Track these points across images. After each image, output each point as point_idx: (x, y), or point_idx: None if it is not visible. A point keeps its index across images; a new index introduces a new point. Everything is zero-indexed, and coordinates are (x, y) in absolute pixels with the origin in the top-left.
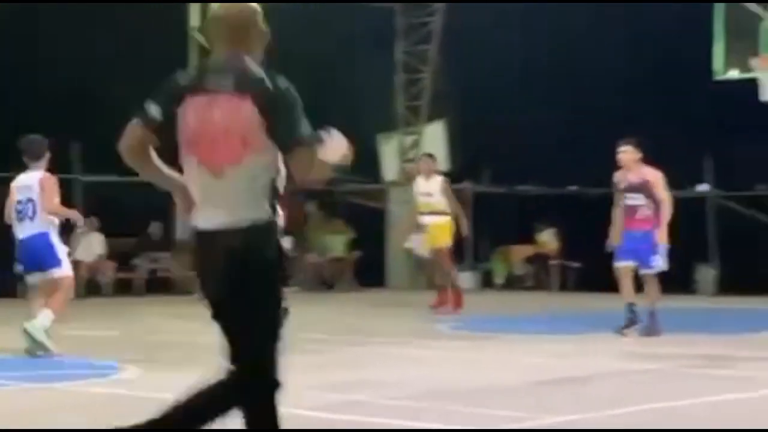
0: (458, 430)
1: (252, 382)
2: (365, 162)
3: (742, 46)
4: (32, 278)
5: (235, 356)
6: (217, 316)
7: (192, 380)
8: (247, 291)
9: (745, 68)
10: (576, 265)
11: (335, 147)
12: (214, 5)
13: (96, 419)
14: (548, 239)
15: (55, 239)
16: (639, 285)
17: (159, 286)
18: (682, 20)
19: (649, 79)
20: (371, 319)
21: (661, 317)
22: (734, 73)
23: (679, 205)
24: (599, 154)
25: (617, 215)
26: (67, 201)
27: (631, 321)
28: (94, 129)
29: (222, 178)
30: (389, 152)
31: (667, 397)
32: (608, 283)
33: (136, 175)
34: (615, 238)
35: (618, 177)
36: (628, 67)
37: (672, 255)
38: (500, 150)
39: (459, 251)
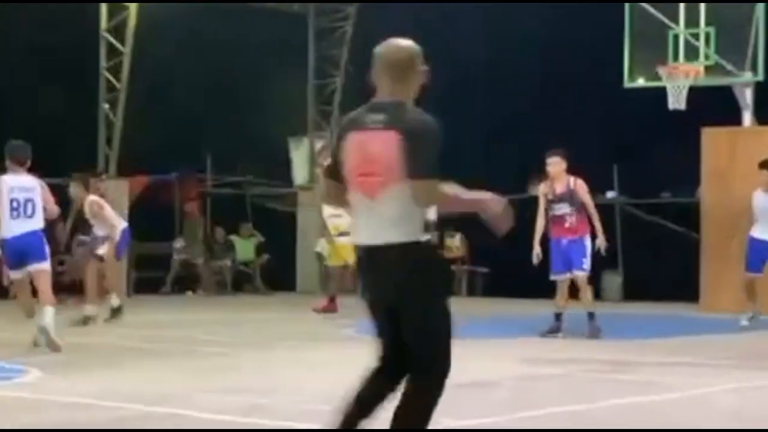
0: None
1: (431, 373)
2: (275, 166)
3: (650, 54)
4: (18, 273)
5: (415, 352)
6: (379, 317)
7: (96, 383)
8: (416, 299)
9: (652, 76)
10: (483, 270)
11: (490, 206)
12: (128, 7)
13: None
14: (456, 244)
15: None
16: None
17: (62, 289)
18: (596, 27)
19: (562, 86)
20: (277, 323)
21: (569, 324)
22: (641, 81)
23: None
24: (509, 160)
25: (540, 225)
26: None
27: (556, 328)
28: (0, 131)
29: (376, 200)
30: (300, 156)
31: (572, 401)
32: (516, 289)
33: (42, 176)
34: (537, 249)
35: (545, 188)
36: (541, 74)
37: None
38: None
39: None
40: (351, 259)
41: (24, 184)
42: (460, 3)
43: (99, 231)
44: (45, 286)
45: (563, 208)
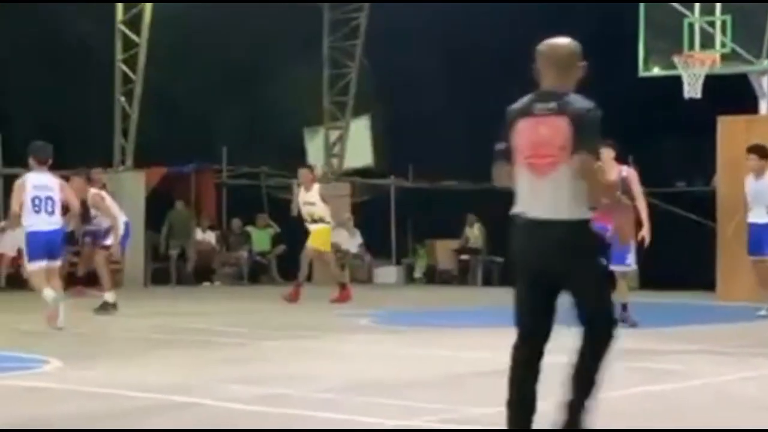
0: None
1: (605, 327)
2: (291, 157)
3: (665, 43)
4: (36, 265)
5: (587, 314)
6: (538, 285)
7: (115, 373)
8: (581, 269)
9: (668, 65)
10: (499, 260)
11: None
12: None
13: (20, 413)
14: (476, 234)
15: None
16: None
17: (84, 279)
18: (611, 16)
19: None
20: (294, 314)
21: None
22: (656, 70)
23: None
24: None
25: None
26: None
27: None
28: (15, 121)
29: (545, 179)
30: (315, 147)
31: None
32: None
33: (57, 169)
34: None
35: None
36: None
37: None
38: (425, 145)
39: (384, 246)
40: (326, 246)
41: (45, 182)
42: None
43: (103, 223)
44: (56, 281)
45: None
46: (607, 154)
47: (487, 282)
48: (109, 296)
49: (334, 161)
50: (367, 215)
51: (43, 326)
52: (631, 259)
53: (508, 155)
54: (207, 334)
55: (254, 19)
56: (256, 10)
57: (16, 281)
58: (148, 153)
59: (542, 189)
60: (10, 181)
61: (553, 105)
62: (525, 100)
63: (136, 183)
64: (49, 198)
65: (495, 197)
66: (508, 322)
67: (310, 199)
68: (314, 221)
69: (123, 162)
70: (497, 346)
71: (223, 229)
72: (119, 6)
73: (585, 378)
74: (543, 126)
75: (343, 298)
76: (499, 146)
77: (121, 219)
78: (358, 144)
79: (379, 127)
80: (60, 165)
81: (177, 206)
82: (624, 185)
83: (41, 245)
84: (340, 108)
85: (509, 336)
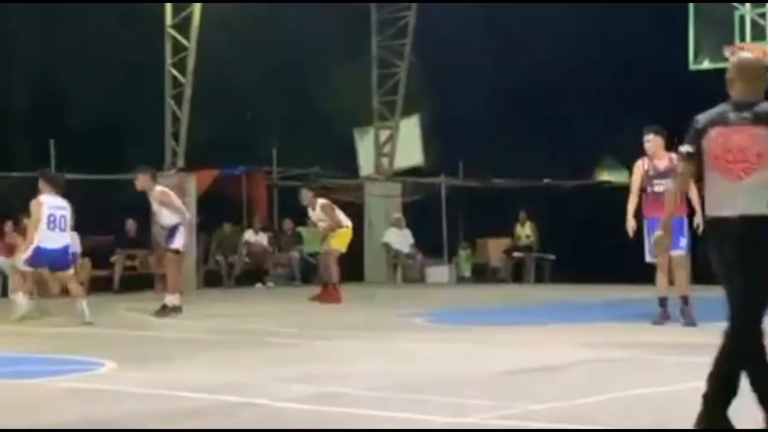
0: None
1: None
2: (341, 157)
3: (716, 35)
4: (30, 269)
5: (740, 312)
6: (736, 280)
7: (170, 374)
8: (755, 263)
9: (718, 58)
10: (550, 257)
11: None
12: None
13: (77, 414)
14: (527, 232)
15: None
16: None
17: (136, 282)
18: (661, 11)
19: (623, 70)
20: (347, 313)
21: (636, 308)
22: (706, 64)
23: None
24: (573, 146)
25: (633, 202)
26: None
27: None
28: (69, 127)
29: (739, 183)
30: (365, 147)
31: (641, 384)
32: (583, 275)
33: (110, 172)
34: (631, 222)
35: (643, 165)
36: (602, 59)
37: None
38: (475, 143)
39: (436, 246)
40: (343, 247)
41: (59, 203)
42: None
43: (168, 220)
44: (74, 284)
45: (663, 185)
46: (657, 141)
47: (539, 279)
48: (170, 299)
49: (385, 161)
50: (418, 215)
51: (100, 330)
52: (684, 242)
53: (694, 159)
54: (261, 335)
55: (302, 20)
56: (304, 10)
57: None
58: (198, 155)
59: (736, 194)
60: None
61: (747, 114)
62: (717, 109)
63: (187, 185)
64: (62, 216)
65: (546, 195)
66: (560, 318)
67: (318, 218)
68: (338, 228)
69: (174, 164)
70: (549, 342)
71: (275, 230)
72: (168, 10)
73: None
74: (738, 134)
75: (330, 298)
76: (687, 149)
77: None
78: (408, 143)
79: (428, 125)
80: (112, 169)
81: (225, 228)
82: (674, 173)
83: (44, 259)
84: (389, 107)
85: (561, 332)
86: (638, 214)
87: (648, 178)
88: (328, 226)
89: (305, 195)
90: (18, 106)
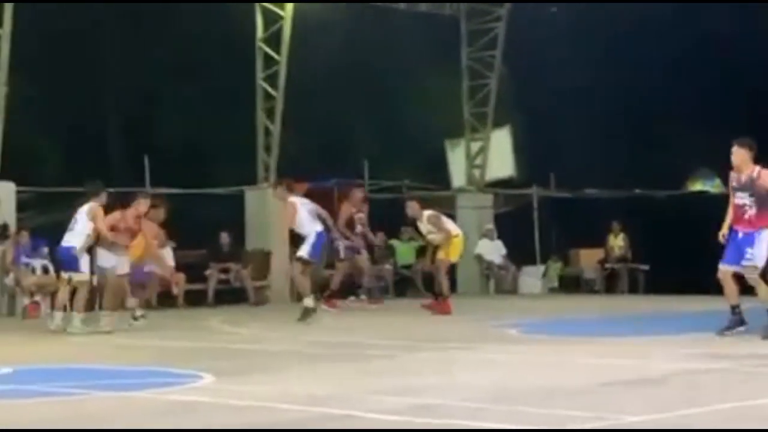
0: (531, 430)
1: None
2: (433, 169)
3: None
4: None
5: None
6: None
7: (268, 387)
8: None
9: None
10: (644, 267)
11: None
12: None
13: (175, 426)
14: (620, 244)
15: None
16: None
17: (230, 296)
18: (748, 17)
19: (719, 80)
20: (442, 325)
21: (725, 318)
22: None
23: None
24: (666, 156)
25: (729, 212)
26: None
27: (734, 323)
28: (162, 142)
29: None
30: (457, 158)
31: (740, 397)
32: (677, 286)
33: (203, 186)
34: (724, 229)
35: (731, 176)
36: (697, 68)
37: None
38: (566, 154)
39: (529, 256)
40: (455, 257)
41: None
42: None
43: (301, 229)
44: (77, 294)
45: (743, 198)
46: (743, 154)
47: (633, 290)
48: (308, 301)
49: (476, 172)
50: (510, 226)
51: (197, 343)
52: (754, 256)
53: None
54: (357, 347)
55: (392, 32)
56: (393, 22)
57: (167, 300)
58: (290, 169)
59: None
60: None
61: None
62: None
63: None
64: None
65: (639, 205)
66: (655, 330)
67: (427, 230)
68: (437, 245)
69: (266, 178)
70: (644, 354)
71: (378, 245)
72: (259, 24)
73: None
74: None
75: (439, 309)
76: None
77: (314, 228)
78: (500, 154)
79: (519, 136)
80: (203, 183)
81: None
82: (754, 187)
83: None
84: (480, 119)
85: (656, 344)
86: None
87: (732, 189)
88: (440, 237)
89: (412, 207)
90: (113, 123)
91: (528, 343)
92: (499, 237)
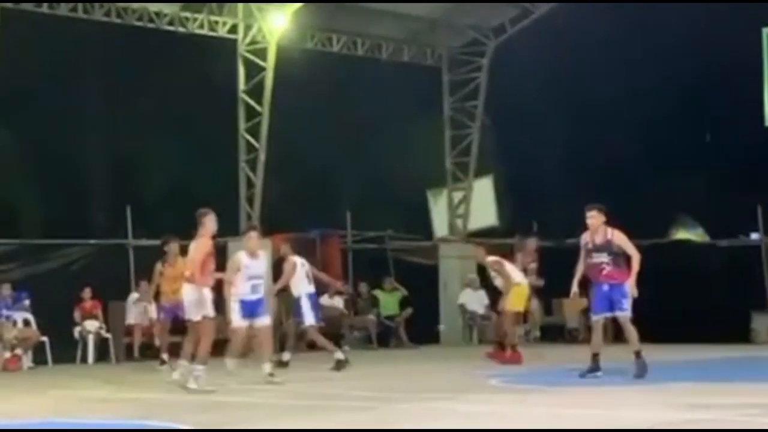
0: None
1: None
2: (415, 219)
3: None
4: None
5: None
6: None
7: None
8: None
9: None
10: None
11: None
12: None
13: None
14: None
15: None
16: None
17: (215, 346)
18: (736, 66)
19: (701, 128)
20: (422, 375)
21: (718, 366)
22: None
23: (733, 253)
24: (648, 205)
25: (579, 269)
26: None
27: (594, 369)
28: (144, 194)
29: None
30: (439, 208)
31: None
32: (661, 334)
33: (185, 238)
34: (574, 287)
35: (585, 238)
36: (676, 114)
37: (728, 304)
38: (548, 203)
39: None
40: (519, 306)
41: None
42: (591, 52)
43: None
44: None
45: (601, 257)
46: (598, 219)
47: (617, 339)
48: (337, 355)
49: (459, 222)
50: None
51: (182, 395)
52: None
53: None
54: (338, 399)
55: (374, 82)
56: (375, 73)
57: (150, 351)
58: (273, 220)
59: None
60: (139, 253)
61: None
62: None
63: (263, 250)
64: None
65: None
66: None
67: (493, 275)
68: (504, 288)
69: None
70: (633, 404)
71: (350, 293)
72: (241, 75)
73: None
74: None
75: (512, 359)
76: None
77: (302, 290)
78: (482, 204)
79: (502, 186)
80: (187, 234)
81: None
82: (610, 247)
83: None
84: (462, 168)
85: (645, 393)
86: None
87: (586, 251)
88: (502, 284)
89: (477, 253)
90: (94, 174)
91: (509, 392)
92: (483, 286)
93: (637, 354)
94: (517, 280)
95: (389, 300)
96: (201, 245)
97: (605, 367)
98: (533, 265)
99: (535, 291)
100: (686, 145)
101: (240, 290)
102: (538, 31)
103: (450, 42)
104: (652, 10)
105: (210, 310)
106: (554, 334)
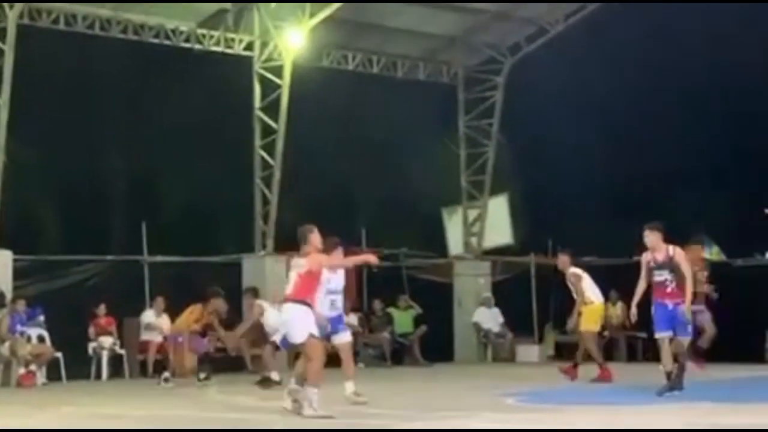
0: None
1: None
2: (430, 237)
3: None
4: None
5: None
6: None
7: None
8: None
9: None
10: (642, 335)
11: None
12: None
13: None
14: (617, 313)
15: None
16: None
17: (227, 364)
18: (756, 82)
19: (720, 146)
20: (437, 393)
21: (734, 387)
22: None
23: (749, 273)
24: (665, 222)
25: (640, 288)
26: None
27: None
28: (160, 210)
29: None
30: (454, 226)
31: None
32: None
33: (200, 254)
34: (634, 307)
35: (646, 257)
36: (695, 134)
37: (743, 323)
38: (564, 221)
39: (526, 324)
40: (591, 326)
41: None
42: (607, 70)
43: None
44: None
45: (663, 275)
46: (656, 236)
47: (632, 358)
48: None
49: (474, 240)
50: (508, 293)
51: (190, 412)
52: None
53: None
54: (354, 417)
55: (390, 101)
56: (391, 91)
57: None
58: (288, 237)
59: None
60: (155, 269)
61: None
62: None
63: (276, 267)
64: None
65: (636, 273)
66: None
67: (568, 283)
68: (584, 304)
69: (264, 246)
70: (646, 423)
71: (365, 311)
72: (257, 93)
73: None
74: None
75: (602, 377)
76: None
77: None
78: (497, 222)
79: (517, 203)
80: (201, 250)
81: None
82: (672, 265)
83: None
84: (477, 187)
85: (659, 414)
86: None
87: (648, 269)
88: (578, 300)
89: (562, 260)
90: (111, 190)
91: (525, 412)
92: (497, 305)
93: (668, 375)
94: (592, 298)
95: (403, 318)
96: (326, 259)
97: (625, 386)
98: (704, 273)
99: (708, 303)
100: (705, 165)
101: (319, 306)
102: (555, 49)
103: (466, 60)
104: (668, 28)
105: (315, 329)
106: (569, 352)
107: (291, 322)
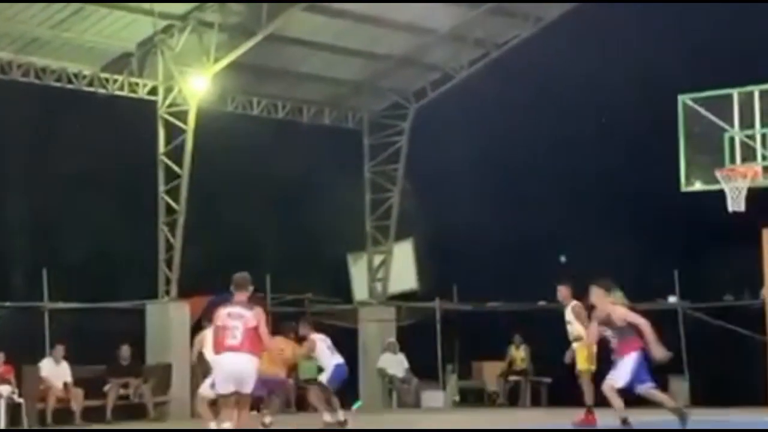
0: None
1: None
2: (335, 282)
3: (706, 157)
4: None
5: None
6: None
7: None
8: None
9: (709, 180)
10: (547, 380)
11: None
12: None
13: None
14: (522, 356)
15: None
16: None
17: (129, 411)
18: (651, 133)
19: (618, 192)
20: None
21: None
22: (698, 185)
23: (650, 317)
24: (567, 267)
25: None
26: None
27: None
28: (62, 256)
29: None
30: (359, 271)
31: None
32: (578, 399)
33: (103, 300)
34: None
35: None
36: (596, 180)
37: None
38: (468, 267)
39: (431, 370)
40: (584, 365)
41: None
42: (510, 115)
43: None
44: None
45: (606, 332)
46: (599, 294)
47: (536, 403)
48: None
49: (378, 285)
50: (414, 339)
51: None
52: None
53: None
54: None
55: (295, 146)
56: (296, 136)
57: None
58: (192, 282)
59: None
60: (55, 316)
61: None
62: None
63: (180, 313)
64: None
65: (539, 318)
66: None
67: (567, 319)
68: (574, 339)
69: (167, 292)
70: None
71: None
72: (161, 137)
73: None
74: None
75: (588, 421)
76: None
77: (333, 361)
78: (402, 268)
79: (422, 249)
80: (103, 296)
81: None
82: (610, 322)
83: None
84: (382, 232)
85: None
86: None
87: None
88: (575, 332)
89: (562, 291)
90: (10, 235)
91: None
92: (402, 350)
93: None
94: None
95: (308, 364)
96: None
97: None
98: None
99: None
100: (603, 210)
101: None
102: (459, 94)
103: (371, 105)
104: (565, 78)
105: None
106: (474, 397)
107: (248, 372)
